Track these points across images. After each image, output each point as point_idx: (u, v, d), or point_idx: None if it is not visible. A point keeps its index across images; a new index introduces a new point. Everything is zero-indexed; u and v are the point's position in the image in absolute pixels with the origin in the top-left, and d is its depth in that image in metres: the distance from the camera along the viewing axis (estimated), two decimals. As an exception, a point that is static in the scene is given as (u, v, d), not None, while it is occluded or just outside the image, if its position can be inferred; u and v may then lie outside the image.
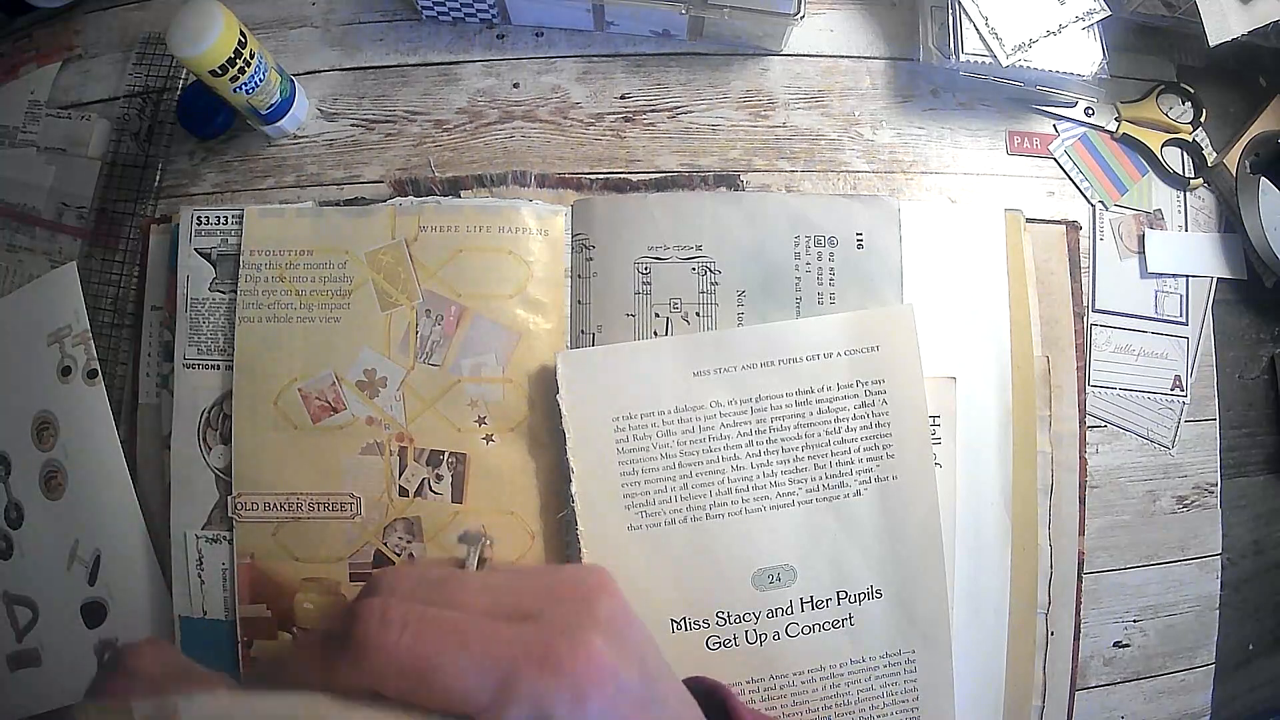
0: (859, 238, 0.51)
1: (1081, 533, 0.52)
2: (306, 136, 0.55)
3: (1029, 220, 0.53)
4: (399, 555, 0.49)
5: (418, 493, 0.50)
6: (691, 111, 0.56)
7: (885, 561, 0.48)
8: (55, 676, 0.52)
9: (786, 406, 0.48)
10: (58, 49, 0.58)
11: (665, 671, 0.28)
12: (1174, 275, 0.56)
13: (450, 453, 0.50)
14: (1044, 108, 0.56)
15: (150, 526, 0.51)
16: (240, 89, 0.49)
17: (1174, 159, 0.57)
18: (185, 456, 0.50)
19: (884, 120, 0.56)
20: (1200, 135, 0.57)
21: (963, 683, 0.48)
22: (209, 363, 0.51)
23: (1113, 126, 0.56)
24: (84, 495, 0.52)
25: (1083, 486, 0.52)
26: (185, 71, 0.56)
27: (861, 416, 0.48)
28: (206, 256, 0.52)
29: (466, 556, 0.28)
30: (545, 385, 0.49)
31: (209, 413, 0.51)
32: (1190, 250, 0.56)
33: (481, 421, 0.50)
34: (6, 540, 0.53)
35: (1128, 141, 0.56)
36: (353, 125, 0.56)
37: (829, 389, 0.48)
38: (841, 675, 0.48)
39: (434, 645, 0.23)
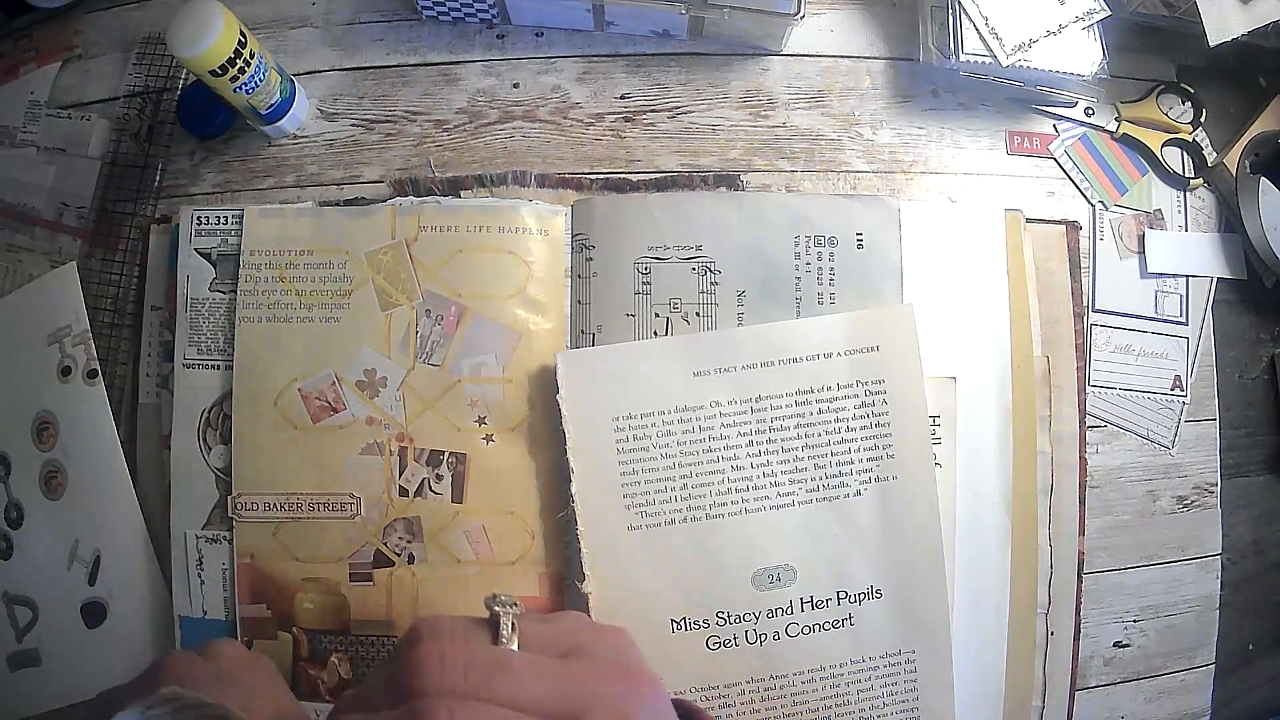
0: (859, 238, 0.51)
1: (1081, 533, 0.52)
2: (306, 136, 0.55)
3: (1029, 220, 0.53)
4: (399, 555, 0.49)
5: (418, 493, 0.50)
6: (691, 111, 0.56)
7: (885, 561, 0.48)
8: (55, 676, 0.52)
9: (786, 406, 0.48)
10: (58, 49, 0.58)
11: None
12: (1174, 275, 0.55)
13: (450, 453, 0.50)
14: (1044, 108, 0.56)
15: (150, 526, 0.51)
16: (240, 89, 0.49)
17: (1174, 159, 0.57)
18: (185, 456, 0.50)
19: (884, 120, 0.56)
20: (1200, 135, 0.57)
21: (963, 683, 0.48)
22: (209, 363, 0.51)
23: (1113, 126, 0.56)
24: (84, 495, 0.52)
25: (1083, 486, 0.52)
26: (185, 71, 0.56)
27: (861, 416, 0.48)
28: (206, 256, 0.52)
29: (500, 624, 0.26)
30: (545, 385, 0.49)
31: (209, 413, 0.51)
32: (1190, 250, 0.56)
33: (481, 421, 0.50)
34: (6, 540, 0.53)
35: (1128, 141, 0.56)
36: (353, 125, 0.56)
37: (829, 389, 0.48)
38: (841, 675, 0.48)
39: None
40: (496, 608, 0.27)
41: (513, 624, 0.26)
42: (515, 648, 0.26)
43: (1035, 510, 0.51)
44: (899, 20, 0.57)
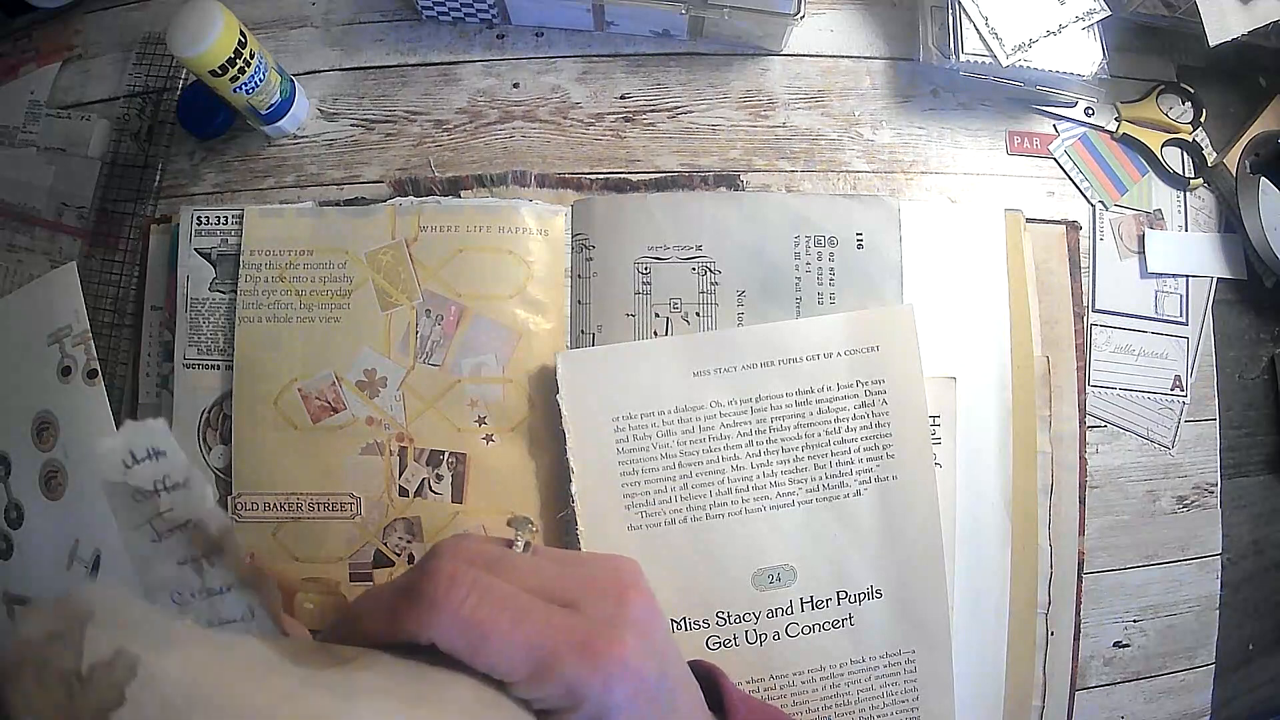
0: (859, 238, 0.51)
1: (1081, 533, 0.52)
2: (306, 136, 0.55)
3: (1029, 220, 0.53)
4: (399, 555, 0.49)
5: (418, 493, 0.50)
6: (691, 111, 0.56)
7: (885, 561, 0.48)
8: (55, 676, 0.51)
9: (786, 406, 0.48)
10: (58, 49, 0.58)
11: (679, 666, 0.30)
12: (1174, 275, 0.56)
13: (450, 453, 0.50)
14: (1044, 108, 0.56)
15: (150, 526, 0.51)
16: (240, 89, 0.49)
17: (1174, 159, 0.57)
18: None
19: (884, 120, 0.56)
20: (1200, 135, 0.57)
21: (963, 683, 0.48)
22: (209, 363, 0.51)
23: (1113, 126, 0.56)
24: (84, 495, 0.52)
25: (1083, 486, 0.52)
26: (185, 71, 0.56)
27: (861, 416, 0.48)
28: (206, 256, 0.52)
29: (515, 538, 0.30)
30: (545, 385, 0.49)
31: (209, 413, 0.51)
32: (1190, 250, 0.56)
33: (481, 421, 0.50)
34: (6, 540, 0.53)
35: (1128, 141, 0.56)
36: (353, 125, 0.56)
37: (829, 389, 0.48)
38: (841, 675, 0.48)
39: (492, 614, 0.25)
40: (514, 525, 0.31)
41: (526, 543, 0.30)
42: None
43: (1035, 510, 0.51)
44: (899, 20, 0.57)
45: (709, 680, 0.34)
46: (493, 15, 0.56)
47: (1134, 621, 0.54)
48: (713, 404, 0.48)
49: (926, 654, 0.48)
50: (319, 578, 0.49)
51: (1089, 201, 0.56)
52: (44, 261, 0.55)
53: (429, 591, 0.25)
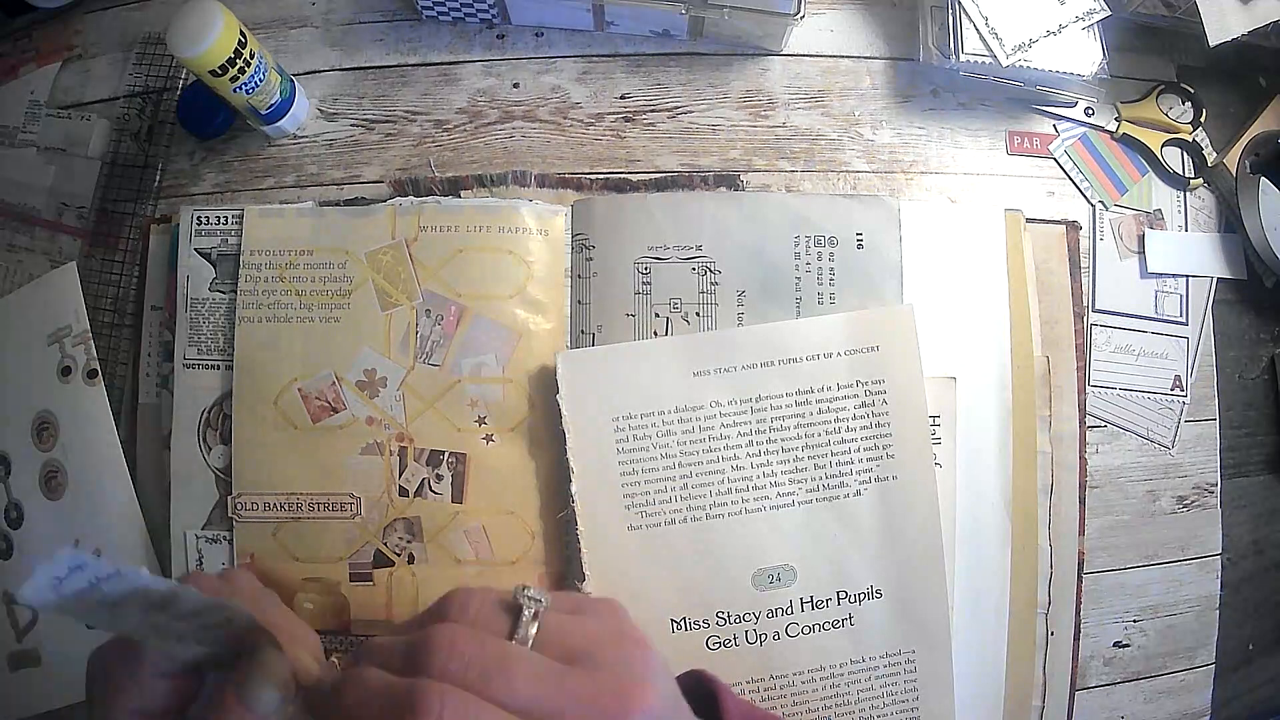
0: (859, 238, 0.51)
1: (1081, 533, 0.52)
2: (306, 136, 0.55)
3: (1029, 220, 0.53)
4: (399, 555, 0.49)
5: (418, 493, 0.50)
6: (691, 111, 0.56)
7: (885, 561, 0.48)
8: (55, 676, 0.52)
9: (786, 406, 0.48)
10: (58, 49, 0.58)
11: (681, 709, 0.29)
12: (1174, 275, 0.56)
13: (450, 453, 0.50)
14: (1044, 108, 0.56)
15: (150, 526, 0.51)
16: (240, 89, 0.49)
17: (1174, 159, 0.57)
18: (185, 456, 0.50)
19: (884, 120, 0.56)
20: (1200, 135, 0.57)
21: (963, 683, 0.48)
22: (209, 363, 0.51)
23: (1113, 126, 0.56)
24: (84, 495, 0.52)
25: (1083, 486, 0.52)
26: (185, 71, 0.56)
27: (861, 416, 0.48)
28: (206, 256, 0.52)
29: (522, 616, 0.28)
30: (545, 385, 0.49)
31: (209, 413, 0.51)
32: (1190, 250, 0.56)
33: (481, 421, 0.50)
34: (6, 540, 0.53)
35: (1128, 141, 0.56)
36: (353, 125, 0.56)
37: (829, 389, 0.48)
38: (841, 675, 0.48)
39: None
40: (521, 599, 0.28)
41: (535, 613, 0.28)
42: (530, 640, 0.28)
43: (1035, 510, 0.51)
44: (899, 20, 0.57)
45: (707, 691, 0.34)
46: (493, 15, 0.56)
47: (1134, 621, 0.54)
48: (713, 404, 0.48)
49: (926, 654, 0.48)
50: (319, 578, 0.49)
51: (1089, 201, 0.56)
52: (44, 261, 0.56)
53: (415, 710, 0.24)
